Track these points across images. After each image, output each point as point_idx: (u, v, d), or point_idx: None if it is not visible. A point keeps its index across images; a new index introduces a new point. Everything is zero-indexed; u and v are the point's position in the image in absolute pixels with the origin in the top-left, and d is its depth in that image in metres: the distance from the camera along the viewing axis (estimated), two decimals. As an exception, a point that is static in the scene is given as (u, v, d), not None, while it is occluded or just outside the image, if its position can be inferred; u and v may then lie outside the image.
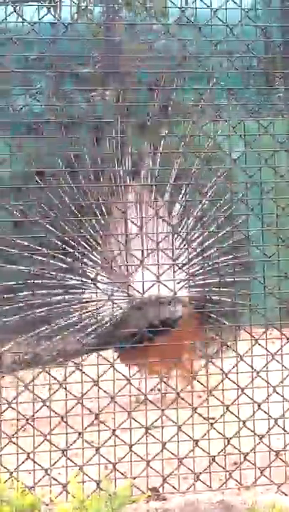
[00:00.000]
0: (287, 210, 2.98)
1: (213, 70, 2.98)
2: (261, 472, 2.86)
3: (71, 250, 3.86)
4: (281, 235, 2.99)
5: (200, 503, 2.61)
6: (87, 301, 3.93)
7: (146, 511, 2.54)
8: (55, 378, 2.77)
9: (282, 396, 2.93)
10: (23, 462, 2.68)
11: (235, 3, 2.97)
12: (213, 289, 3.57)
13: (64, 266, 3.96)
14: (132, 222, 3.66)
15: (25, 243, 3.82)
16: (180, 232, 4.04)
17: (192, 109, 3.67)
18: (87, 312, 3.97)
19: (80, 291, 3.97)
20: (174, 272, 3.36)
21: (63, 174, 3.78)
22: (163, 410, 2.84)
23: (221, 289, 3.32)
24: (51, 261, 3.90)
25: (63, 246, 3.83)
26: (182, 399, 2.86)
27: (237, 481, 2.84)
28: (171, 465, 2.84)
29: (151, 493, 2.76)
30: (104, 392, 2.78)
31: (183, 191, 4.14)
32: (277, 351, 2.95)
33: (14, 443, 2.69)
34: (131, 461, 2.76)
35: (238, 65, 3.01)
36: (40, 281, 3.93)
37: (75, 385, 2.77)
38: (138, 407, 2.86)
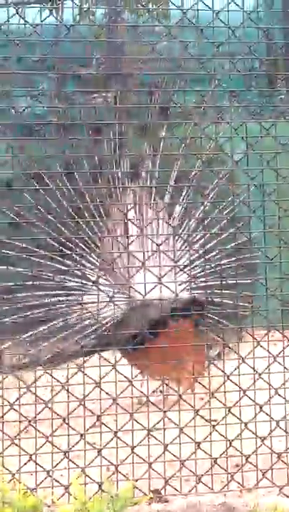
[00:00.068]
0: (290, 212, 2.99)
1: (215, 72, 2.98)
2: (263, 474, 2.86)
3: (69, 252, 3.86)
4: (283, 237, 2.99)
5: (202, 505, 2.61)
6: (84, 303, 3.92)
7: (148, 513, 2.54)
8: (57, 380, 2.77)
9: (284, 398, 2.93)
10: (25, 464, 2.68)
11: (237, 5, 2.97)
12: (215, 291, 3.58)
13: (62, 268, 3.95)
14: (133, 223, 3.65)
15: (23, 245, 3.82)
16: (181, 233, 4.04)
17: (194, 111, 3.68)
18: (85, 314, 3.97)
19: (80, 292, 3.97)
20: (176, 273, 3.37)
21: (63, 176, 3.78)
22: (165, 412, 2.85)
23: (223, 291, 3.31)
24: (48, 262, 3.90)
25: (60, 248, 3.83)
26: (184, 401, 2.86)
27: (239, 483, 2.84)
28: (173, 467, 2.84)
29: (153, 495, 2.76)
30: (106, 393, 2.78)
31: (183, 193, 4.14)
32: (279, 353, 2.95)
33: (16, 444, 2.69)
34: (133, 463, 2.76)
35: (240, 67, 3.01)
36: (37, 283, 3.93)
37: (77, 386, 2.77)
38: (140, 408, 2.86)
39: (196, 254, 3.84)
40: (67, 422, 2.74)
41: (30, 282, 3.91)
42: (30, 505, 2.44)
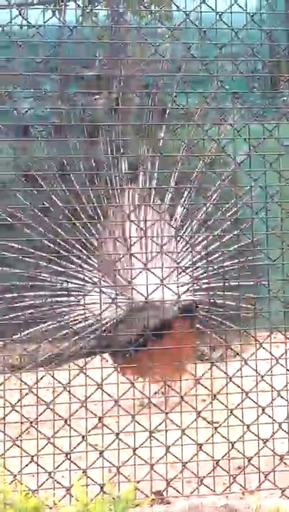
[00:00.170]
0: (292, 214, 2.99)
1: (218, 74, 2.98)
2: (265, 476, 2.85)
3: (66, 254, 3.86)
4: (285, 239, 2.99)
5: (204, 507, 2.60)
6: (82, 304, 3.92)
7: (150, 515, 2.54)
8: (59, 381, 2.77)
9: (287, 400, 2.92)
10: (26, 465, 2.68)
11: (240, 6, 2.97)
12: (218, 292, 3.57)
13: (59, 269, 3.94)
14: (134, 223, 3.64)
15: (19, 246, 3.82)
16: (182, 235, 4.04)
17: (196, 112, 3.68)
18: (81, 315, 3.96)
19: (77, 293, 3.96)
20: (177, 275, 3.35)
21: (60, 177, 3.77)
22: (167, 414, 2.84)
23: (226, 293, 3.31)
24: (45, 264, 3.90)
25: (57, 249, 3.83)
26: (186, 402, 2.86)
27: (241, 485, 2.83)
28: (175, 469, 2.83)
29: (155, 496, 2.75)
30: (108, 395, 2.77)
31: (185, 194, 4.14)
32: (282, 355, 2.95)
33: (18, 446, 2.68)
34: (135, 465, 2.76)
35: (242, 69, 3.01)
36: (32, 283, 3.93)
37: (79, 388, 2.77)
38: (142, 410, 2.85)
39: (198, 256, 3.83)
40: (68, 423, 2.73)
41: (26, 283, 3.91)
42: (32, 507, 2.44)
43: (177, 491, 2.78)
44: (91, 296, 3.90)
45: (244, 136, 2.99)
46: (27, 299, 3.93)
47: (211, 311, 3.92)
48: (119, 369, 3.04)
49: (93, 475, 2.70)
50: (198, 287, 3.78)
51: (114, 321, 3.98)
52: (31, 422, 2.71)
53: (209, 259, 3.68)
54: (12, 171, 3.54)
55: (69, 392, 2.75)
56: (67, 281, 3.90)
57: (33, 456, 2.68)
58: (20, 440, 2.69)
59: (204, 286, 3.81)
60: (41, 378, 2.76)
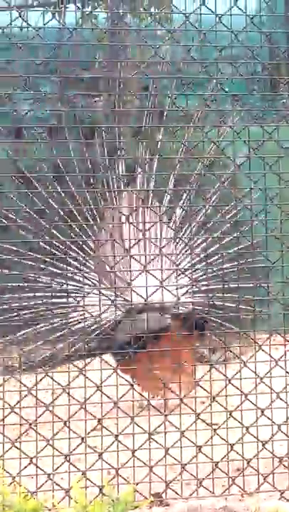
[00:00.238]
0: (292, 216, 2.99)
1: (218, 76, 2.99)
2: (264, 478, 2.85)
3: (62, 256, 3.86)
4: (285, 241, 2.99)
5: (203, 509, 2.60)
6: (78, 306, 3.92)
7: (149, 517, 2.54)
8: (58, 383, 2.77)
9: (286, 402, 2.92)
10: (25, 467, 2.68)
11: (240, 9, 2.97)
12: (217, 294, 3.57)
13: (55, 271, 3.94)
14: (132, 224, 3.64)
15: (15, 248, 3.82)
16: (181, 237, 4.04)
17: (196, 114, 3.68)
18: (76, 316, 3.97)
19: (73, 295, 3.96)
20: (176, 277, 3.36)
21: (56, 179, 3.78)
22: (166, 416, 2.84)
23: (225, 295, 3.31)
24: (42, 265, 3.90)
25: (52, 251, 3.83)
26: (185, 404, 2.86)
27: (240, 487, 2.83)
28: (174, 471, 2.84)
29: (154, 498, 2.75)
30: (108, 397, 2.77)
31: (183, 197, 4.14)
32: (281, 357, 2.95)
33: (17, 447, 2.68)
34: (134, 467, 2.76)
35: (242, 71, 3.01)
36: (27, 284, 3.93)
37: (78, 389, 2.76)
38: (141, 412, 2.85)
39: (197, 258, 3.83)
40: (68, 425, 2.73)
41: (21, 284, 3.92)
42: (31, 509, 2.44)
43: (176, 492, 2.78)
44: (88, 298, 3.91)
45: (244, 138, 2.99)
46: (22, 301, 3.93)
47: (210, 313, 3.92)
48: (119, 368, 3.04)
49: (92, 477, 2.70)
50: (197, 289, 3.79)
51: (112, 322, 3.99)
52: (30, 424, 2.71)
53: (209, 261, 3.68)
54: (7, 173, 3.54)
55: (68, 394, 2.75)
56: (64, 284, 3.90)
57: (32, 458, 2.68)
58: (20, 442, 2.69)
59: (203, 288, 3.81)
60: (40, 380, 2.76)
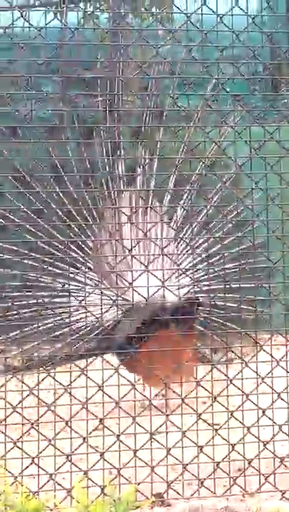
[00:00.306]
0: (293, 216, 2.99)
1: (219, 76, 2.99)
2: (266, 479, 2.85)
3: (61, 256, 3.86)
4: (286, 241, 2.99)
5: (204, 509, 2.61)
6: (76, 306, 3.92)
7: (151, 517, 2.54)
8: (60, 383, 2.77)
9: (287, 402, 2.92)
10: (27, 467, 2.68)
11: (241, 9, 2.97)
12: (219, 294, 3.58)
13: (55, 270, 3.94)
14: (133, 223, 3.64)
15: (14, 248, 3.83)
16: (181, 237, 4.04)
17: (197, 114, 3.68)
18: (69, 316, 3.96)
19: (69, 294, 3.97)
20: (177, 277, 3.36)
21: (55, 179, 3.78)
22: (167, 416, 2.84)
23: (227, 295, 3.31)
24: (40, 265, 3.90)
25: (51, 251, 3.83)
26: (187, 405, 2.86)
27: (241, 487, 2.83)
28: (175, 471, 2.84)
29: (156, 498, 2.75)
30: (109, 397, 2.78)
31: (184, 197, 4.14)
32: (282, 357, 2.95)
33: (19, 447, 2.68)
34: (135, 467, 2.76)
35: (243, 71, 3.01)
36: (27, 284, 3.94)
37: (80, 389, 2.77)
38: (143, 412, 2.85)
39: (199, 258, 3.84)
40: (69, 425, 2.73)
41: (20, 283, 3.92)
42: (33, 509, 2.44)
43: (178, 493, 2.79)
44: (88, 298, 3.91)
45: (245, 138, 2.99)
46: (23, 299, 3.93)
47: (212, 313, 3.93)
48: (126, 366, 3.04)
49: (94, 477, 2.70)
50: (198, 289, 3.79)
51: (111, 322, 3.99)
52: (32, 424, 2.71)
53: (210, 261, 3.68)
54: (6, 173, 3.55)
55: (70, 393, 2.75)
56: (64, 284, 3.91)
57: (33, 458, 2.68)
58: (21, 442, 2.69)
59: (205, 288, 3.82)
60: (42, 380, 2.76)
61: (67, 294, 3.88)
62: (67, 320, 3.92)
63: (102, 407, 2.78)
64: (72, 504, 2.57)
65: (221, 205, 3.70)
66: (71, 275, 4.01)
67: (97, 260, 3.97)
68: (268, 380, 2.90)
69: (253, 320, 3.19)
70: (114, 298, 3.60)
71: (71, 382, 2.76)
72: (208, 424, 2.84)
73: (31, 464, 2.67)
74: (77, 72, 3.01)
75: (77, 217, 3.80)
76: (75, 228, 3.82)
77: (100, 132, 3.88)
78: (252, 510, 2.62)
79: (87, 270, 4.08)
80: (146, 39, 2.94)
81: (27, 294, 3.92)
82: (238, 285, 3.13)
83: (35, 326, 3.82)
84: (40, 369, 3.68)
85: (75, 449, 2.72)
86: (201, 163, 3.68)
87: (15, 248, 3.82)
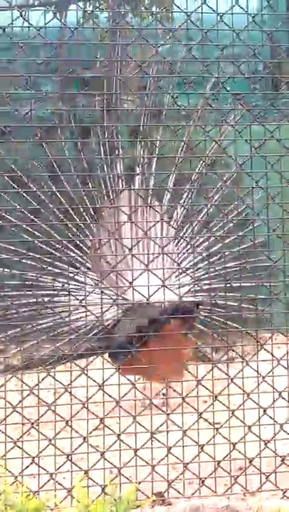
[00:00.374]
0: (294, 215, 2.99)
1: (219, 75, 2.99)
2: (267, 477, 2.85)
3: (59, 255, 3.86)
4: (287, 240, 2.99)
5: (205, 508, 2.60)
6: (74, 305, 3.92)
7: (151, 516, 2.54)
8: (60, 382, 2.77)
9: (288, 401, 2.92)
10: (27, 466, 2.68)
11: (241, 8, 2.97)
12: (220, 293, 3.57)
13: (54, 270, 3.94)
14: (132, 222, 3.63)
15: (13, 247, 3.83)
16: (182, 236, 4.04)
17: (197, 113, 3.68)
18: (64, 316, 3.96)
19: (67, 294, 3.96)
20: (176, 276, 3.36)
21: (53, 178, 3.78)
22: (168, 415, 2.84)
23: (228, 294, 3.31)
24: (39, 264, 3.90)
25: (50, 250, 3.83)
26: (187, 404, 2.86)
27: (242, 486, 2.83)
28: (176, 470, 2.84)
29: (156, 497, 2.75)
30: (110, 396, 2.77)
31: (184, 196, 4.14)
32: (283, 356, 2.95)
33: (19, 447, 2.68)
34: (136, 466, 2.76)
35: (244, 70, 3.01)
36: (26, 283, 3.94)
37: (80, 389, 2.76)
38: (143, 411, 2.85)
39: (199, 257, 3.83)
40: (70, 424, 2.73)
41: (19, 282, 3.92)
42: (33, 508, 2.44)
43: (178, 492, 2.78)
44: (88, 297, 3.90)
45: (245, 137, 2.99)
46: (20, 298, 3.93)
47: (212, 312, 3.92)
48: (120, 370, 3.04)
49: (94, 476, 2.70)
50: (199, 288, 3.78)
51: (111, 321, 3.99)
52: (32, 423, 2.71)
53: (211, 260, 3.67)
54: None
55: (70, 393, 2.74)
56: (64, 283, 3.91)
57: (34, 458, 2.68)
58: (22, 441, 2.69)
59: (206, 287, 3.81)
60: (42, 379, 2.76)
61: (67, 293, 3.88)
62: (67, 319, 3.91)
63: (102, 406, 2.78)
64: (72, 504, 2.57)
65: (222, 204, 3.70)
66: (70, 274, 4.01)
67: (95, 259, 3.97)
68: (269, 378, 2.90)
69: (254, 319, 3.19)
70: (114, 297, 3.60)
71: (71, 382, 2.76)
72: (209, 423, 2.84)
73: (31, 463, 2.67)
74: (76, 72, 3.00)
75: (75, 217, 3.79)
76: (73, 228, 3.82)
77: (97, 132, 3.87)
78: (253, 509, 2.62)
79: (86, 270, 4.08)
80: (146, 38, 2.94)
81: (26, 293, 3.92)
82: (238, 284, 3.12)
83: (34, 324, 3.82)
84: (40, 368, 3.68)
85: (76, 449, 2.71)
86: (201, 162, 3.69)
87: (13, 248, 3.82)
